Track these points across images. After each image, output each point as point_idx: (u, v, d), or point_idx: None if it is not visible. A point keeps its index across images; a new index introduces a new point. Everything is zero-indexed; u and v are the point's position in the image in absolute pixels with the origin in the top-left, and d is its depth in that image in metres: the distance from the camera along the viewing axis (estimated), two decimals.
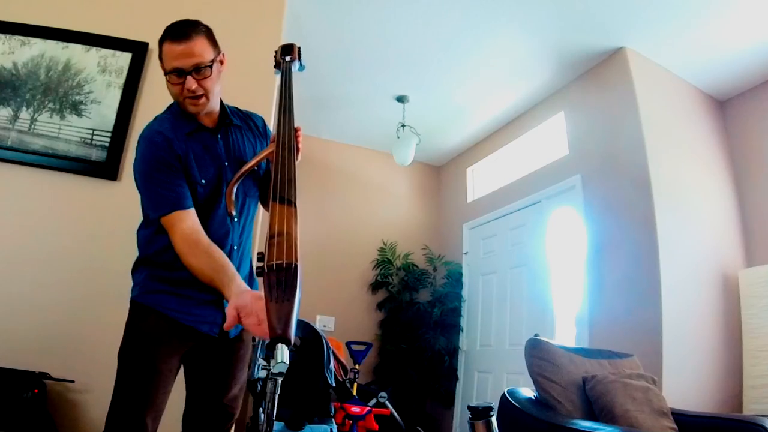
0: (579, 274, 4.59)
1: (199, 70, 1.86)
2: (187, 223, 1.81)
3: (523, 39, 4.58)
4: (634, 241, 4.12)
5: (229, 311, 1.49)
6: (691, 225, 4.24)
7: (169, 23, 1.91)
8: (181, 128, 1.96)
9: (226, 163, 2.00)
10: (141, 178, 1.90)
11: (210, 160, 1.98)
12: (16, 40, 3.17)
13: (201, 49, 1.86)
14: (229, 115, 2.10)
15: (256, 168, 2.07)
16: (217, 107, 2.04)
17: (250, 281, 2.13)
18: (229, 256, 1.95)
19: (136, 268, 2.00)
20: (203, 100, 1.91)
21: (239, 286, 1.62)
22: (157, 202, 1.85)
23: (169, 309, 1.88)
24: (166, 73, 1.87)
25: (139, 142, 1.94)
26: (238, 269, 1.99)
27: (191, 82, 1.85)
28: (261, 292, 1.48)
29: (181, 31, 1.85)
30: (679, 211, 4.17)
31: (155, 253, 1.94)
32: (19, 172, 2.97)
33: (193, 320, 1.90)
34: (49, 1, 3.30)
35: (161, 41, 1.86)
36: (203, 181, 1.93)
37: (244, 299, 1.51)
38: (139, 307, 1.91)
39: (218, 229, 1.95)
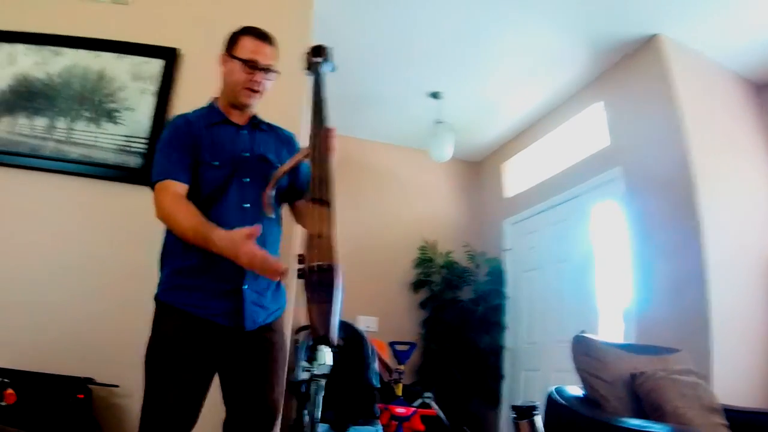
0: (624, 268, 4.51)
1: (268, 71, 2.10)
2: (179, 189, 1.90)
3: (555, 29, 4.52)
4: (678, 233, 4.03)
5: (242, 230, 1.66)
6: (737, 213, 4.13)
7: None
8: (207, 118, 2.10)
9: (247, 154, 2.08)
10: (156, 153, 2.04)
11: (228, 147, 2.06)
12: (49, 50, 3.24)
13: (275, 56, 2.15)
14: (259, 120, 2.22)
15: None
16: (254, 111, 2.19)
17: (278, 284, 2.13)
18: None
19: (160, 267, 2.05)
20: (258, 96, 2.12)
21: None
22: (159, 169, 1.95)
23: (187, 305, 1.89)
24: (240, 60, 2.06)
25: (165, 126, 2.13)
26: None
27: (260, 76, 2.07)
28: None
29: (267, 35, 2.13)
30: (723, 200, 4.06)
31: (170, 243, 1.99)
32: (58, 181, 3.03)
33: (211, 313, 1.89)
34: (78, 11, 3.36)
35: (243, 33, 2.12)
36: (216, 162, 2.00)
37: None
38: (161, 306, 1.95)
39: (231, 218, 1.93)
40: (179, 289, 1.92)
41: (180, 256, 1.93)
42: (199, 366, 1.89)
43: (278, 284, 2.13)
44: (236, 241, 1.66)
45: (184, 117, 2.10)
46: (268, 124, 2.27)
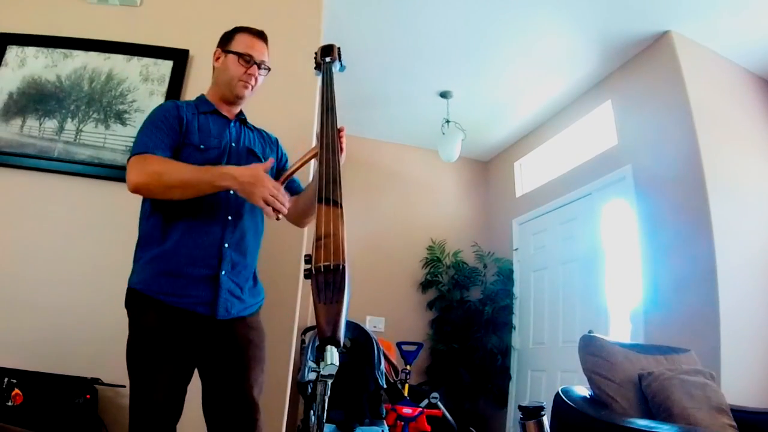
0: (633, 268, 4.50)
1: (261, 67, 2.20)
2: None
3: (566, 28, 4.52)
4: (688, 232, 4.01)
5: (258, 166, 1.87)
6: (747, 213, 4.11)
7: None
8: (198, 106, 2.16)
9: (233, 144, 2.14)
10: (139, 132, 2.01)
11: (216, 133, 2.11)
12: (59, 53, 3.25)
13: (268, 54, 2.26)
14: (245, 117, 2.31)
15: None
16: (240, 107, 2.28)
17: (254, 281, 2.16)
18: (225, 228, 1.99)
19: (135, 258, 2.01)
20: (250, 89, 2.20)
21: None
22: (138, 145, 1.93)
23: (163, 293, 1.86)
24: (235, 53, 2.16)
25: None
26: (241, 256, 2.04)
27: (255, 70, 2.17)
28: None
29: (262, 33, 2.25)
30: (733, 198, 4.04)
31: (149, 228, 1.98)
32: (67, 182, 3.04)
33: (189, 302, 1.88)
34: (88, 13, 3.38)
35: (239, 30, 2.22)
36: (202, 146, 2.03)
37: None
38: (137, 296, 1.90)
39: (215, 202, 1.98)
40: (159, 276, 1.88)
41: (158, 241, 1.93)
42: (180, 359, 1.87)
43: (255, 280, 2.15)
44: (255, 167, 1.86)
45: (172, 101, 2.18)
46: (254, 126, 2.35)
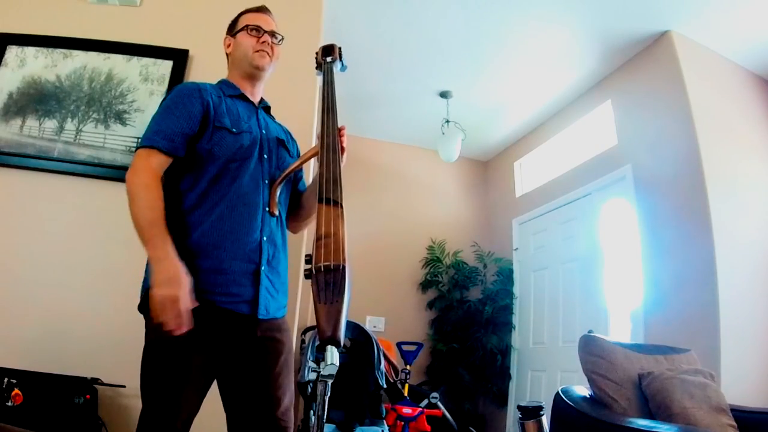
0: (633, 268, 4.49)
1: (274, 35, 2.12)
2: (162, 165, 1.76)
3: (566, 27, 4.51)
4: (688, 232, 4.01)
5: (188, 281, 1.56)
6: (747, 213, 4.11)
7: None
8: (224, 90, 2.04)
9: (263, 132, 2.01)
10: (154, 116, 1.86)
11: (246, 118, 1.99)
12: (59, 53, 3.26)
13: (276, 25, 2.16)
14: (269, 105, 2.21)
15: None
16: (261, 90, 2.18)
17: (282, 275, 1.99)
18: (263, 218, 1.86)
19: None
20: (268, 59, 2.09)
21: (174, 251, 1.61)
22: (150, 133, 1.79)
23: (209, 293, 1.68)
24: (242, 29, 2.09)
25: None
26: (276, 250, 1.92)
27: (267, 38, 2.08)
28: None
29: (264, 7, 2.19)
30: (733, 198, 4.04)
31: (183, 211, 1.78)
32: (67, 182, 3.04)
33: (234, 301, 1.72)
34: (88, 13, 3.39)
35: (241, 13, 2.16)
36: (234, 129, 1.89)
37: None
38: None
39: (249, 189, 1.85)
40: (203, 273, 1.68)
41: (189, 229, 1.75)
42: (211, 370, 1.72)
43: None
44: (179, 277, 1.56)
45: (194, 84, 1.96)
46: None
